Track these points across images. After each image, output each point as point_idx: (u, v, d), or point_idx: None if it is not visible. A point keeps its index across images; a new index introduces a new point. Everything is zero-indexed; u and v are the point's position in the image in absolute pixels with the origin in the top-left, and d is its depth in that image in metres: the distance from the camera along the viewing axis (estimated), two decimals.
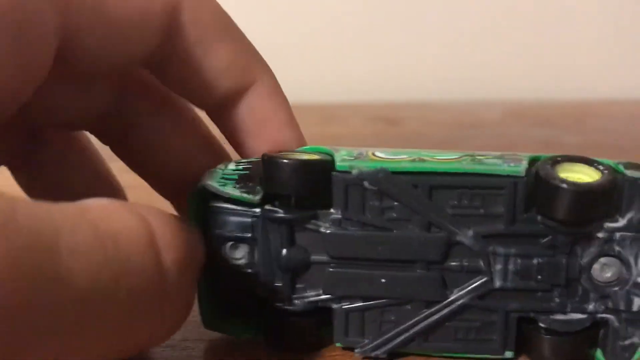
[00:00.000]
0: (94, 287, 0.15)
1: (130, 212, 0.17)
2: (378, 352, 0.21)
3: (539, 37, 0.66)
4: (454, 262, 0.20)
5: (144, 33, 0.20)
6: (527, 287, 0.20)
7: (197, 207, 0.21)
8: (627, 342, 0.20)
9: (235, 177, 0.21)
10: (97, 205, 0.16)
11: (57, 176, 0.25)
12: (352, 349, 0.21)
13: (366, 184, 0.20)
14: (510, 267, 0.20)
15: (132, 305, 0.16)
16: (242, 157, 0.23)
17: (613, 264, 0.20)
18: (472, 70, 0.65)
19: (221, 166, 0.22)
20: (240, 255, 0.21)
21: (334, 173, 0.20)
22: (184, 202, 0.21)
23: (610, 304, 0.20)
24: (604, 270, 0.20)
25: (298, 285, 0.21)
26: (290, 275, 0.21)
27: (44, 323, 0.14)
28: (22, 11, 0.17)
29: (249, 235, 0.21)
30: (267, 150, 0.21)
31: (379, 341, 0.21)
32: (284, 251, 0.21)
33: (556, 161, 0.20)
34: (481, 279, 0.20)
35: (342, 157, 0.20)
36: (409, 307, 0.21)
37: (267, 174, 0.20)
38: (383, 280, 0.21)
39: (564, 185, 0.19)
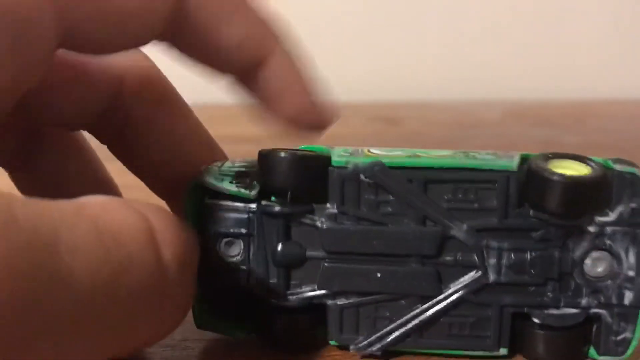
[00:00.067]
0: (94, 284, 0.15)
1: (129, 209, 0.17)
2: (372, 349, 0.21)
3: (539, 37, 0.66)
4: (448, 256, 0.21)
5: (148, 23, 0.19)
6: (520, 282, 0.20)
7: (192, 204, 0.21)
8: (620, 337, 0.20)
9: (232, 173, 0.21)
10: (95, 203, 0.16)
11: (55, 177, 0.25)
12: (346, 347, 0.21)
13: (362, 177, 0.20)
14: (504, 261, 0.20)
15: (132, 302, 0.16)
16: (271, 123, 0.22)
17: (604, 258, 0.20)
18: (472, 70, 0.66)
19: (217, 164, 0.22)
20: (235, 252, 0.21)
21: (330, 168, 0.20)
22: (180, 202, 0.21)
23: (602, 299, 0.20)
24: (596, 265, 0.20)
25: (293, 282, 0.21)
26: (285, 271, 0.21)
27: (44, 322, 0.14)
28: (20, 10, 0.17)
29: (245, 230, 0.21)
30: (291, 117, 0.21)
31: (373, 337, 0.21)
32: (280, 246, 0.21)
33: (547, 157, 0.20)
34: (475, 274, 0.21)
35: (339, 153, 0.21)
36: (403, 302, 0.21)
37: (263, 168, 0.20)
38: (378, 275, 0.21)
39: (555, 177, 0.19)
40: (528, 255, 0.20)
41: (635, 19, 0.66)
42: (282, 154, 0.20)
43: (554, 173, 0.19)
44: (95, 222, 0.15)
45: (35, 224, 0.14)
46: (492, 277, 0.21)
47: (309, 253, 0.21)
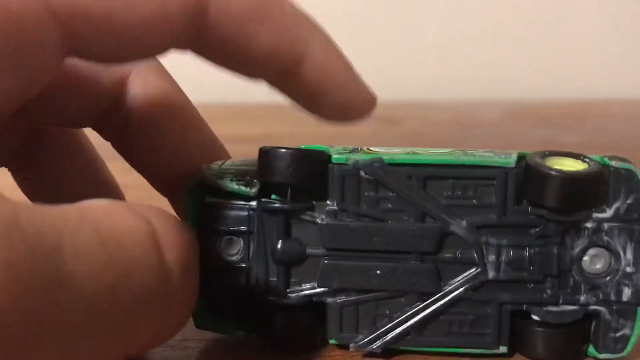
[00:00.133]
0: (97, 289, 0.15)
1: (132, 212, 0.17)
2: (372, 347, 0.21)
3: (539, 37, 0.66)
4: (447, 253, 0.21)
5: (163, 33, 0.19)
6: (519, 279, 0.21)
7: (193, 203, 0.21)
8: (618, 333, 0.21)
9: (232, 171, 0.21)
10: (98, 206, 0.16)
11: (56, 176, 0.25)
12: (346, 346, 0.22)
13: (362, 173, 0.20)
14: (503, 258, 0.21)
15: (136, 306, 0.16)
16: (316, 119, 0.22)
17: (602, 254, 0.20)
18: (472, 70, 0.66)
19: (218, 162, 0.22)
20: (235, 250, 0.21)
21: (330, 165, 0.21)
22: (181, 199, 0.21)
23: (601, 295, 0.20)
24: (594, 262, 0.20)
25: (292, 279, 0.21)
26: (285, 268, 0.21)
27: (48, 328, 0.14)
28: (20, 25, 0.17)
29: (245, 228, 0.21)
30: (338, 114, 0.21)
31: (373, 335, 0.21)
32: (280, 244, 0.21)
33: (544, 155, 0.20)
34: (474, 271, 0.21)
35: (338, 151, 0.21)
36: (403, 300, 0.21)
37: (264, 165, 0.21)
38: (378, 272, 0.21)
39: (553, 172, 0.19)
40: (527, 252, 0.20)
41: (635, 19, 0.66)
42: (283, 150, 0.20)
43: (551, 168, 0.19)
44: (98, 226, 0.15)
45: (39, 229, 0.14)
46: (491, 274, 0.21)
47: (308, 250, 0.21)
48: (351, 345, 0.21)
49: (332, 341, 0.22)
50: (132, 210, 0.17)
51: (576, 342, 0.21)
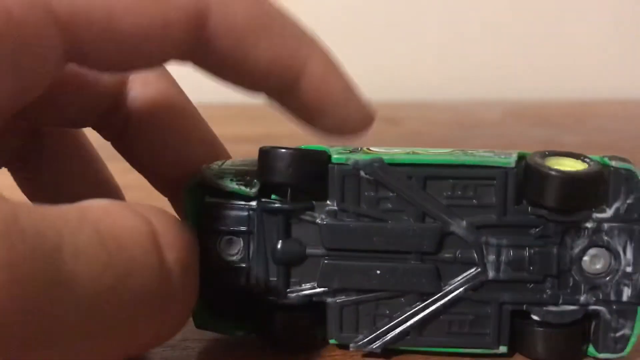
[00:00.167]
0: (98, 289, 0.15)
1: (132, 212, 0.17)
2: (372, 346, 0.21)
3: (539, 37, 0.66)
4: (447, 253, 0.21)
5: (162, 43, 0.19)
6: (519, 279, 0.21)
7: (193, 202, 0.21)
8: (618, 333, 0.21)
9: (232, 171, 0.21)
10: (98, 206, 0.16)
11: (56, 176, 0.25)
12: (346, 346, 0.22)
13: (362, 173, 0.20)
14: (503, 258, 0.21)
15: (136, 306, 0.16)
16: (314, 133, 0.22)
17: (602, 254, 0.20)
18: (472, 70, 0.66)
19: (218, 162, 0.22)
20: (234, 250, 0.21)
21: (330, 165, 0.21)
22: (182, 199, 0.21)
23: (601, 295, 0.20)
24: (594, 262, 0.20)
25: (292, 280, 0.21)
26: (285, 268, 0.21)
27: (48, 328, 0.14)
28: (22, 29, 0.17)
29: (245, 228, 0.21)
30: (335, 130, 0.21)
31: (373, 335, 0.21)
32: (280, 244, 0.21)
33: (544, 155, 0.20)
34: (474, 271, 0.21)
35: (338, 151, 0.21)
36: (403, 300, 0.21)
37: (264, 165, 0.21)
38: (378, 272, 0.21)
39: (553, 172, 0.19)
40: (527, 252, 0.20)
41: (635, 19, 0.66)
42: (283, 150, 0.20)
43: (551, 168, 0.19)
44: (98, 226, 0.15)
45: (39, 229, 0.14)
46: (491, 274, 0.21)
47: (308, 250, 0.21)
48: (351, 345, 0.21)
49: (332, 341, 0.22)
50: (132, 210, 0.17)
51: (576, 342, 0.21)
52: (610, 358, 0.21)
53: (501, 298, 0.21)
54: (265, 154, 0.21)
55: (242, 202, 0.21)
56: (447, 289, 0.21)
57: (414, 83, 0.64)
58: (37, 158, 0.25)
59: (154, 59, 0.20)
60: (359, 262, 0.21)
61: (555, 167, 0.20)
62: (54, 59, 0.18)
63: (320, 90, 0.21)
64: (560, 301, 0.21)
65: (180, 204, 0.22)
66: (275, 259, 0.21)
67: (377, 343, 0.21)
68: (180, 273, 0.17)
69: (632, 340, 0.21)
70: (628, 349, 0.21)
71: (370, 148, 0.21)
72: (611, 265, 0.20)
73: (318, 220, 0.21)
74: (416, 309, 0.21)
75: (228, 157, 0.24)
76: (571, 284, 0.21)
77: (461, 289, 0.21)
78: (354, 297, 0.21)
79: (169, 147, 0.23)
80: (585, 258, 0.20)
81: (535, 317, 0.21)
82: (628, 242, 0.20)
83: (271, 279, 0.21)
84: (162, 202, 0.24)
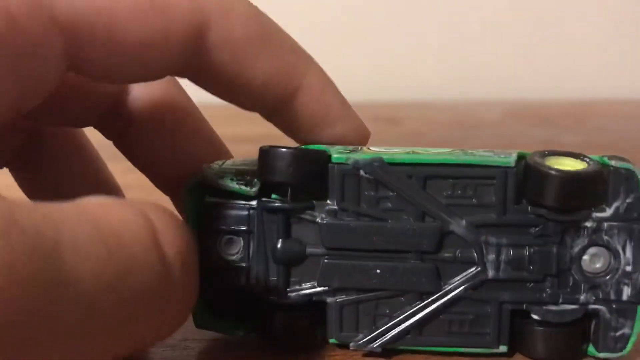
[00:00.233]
0: (98, 286, 0.15)
1: (130, 209, 0.17)
2: (372, 346, 0.21)
3: (539, 37, 0.66)
4: (447, 252, 0.21)
5: (164, 57, 0.19)
6: (519, 278, 0.21)
7: (193, 201, 0.21)
8: (618, 333, 0.21)
9: (233, 170, 0.21)
10: (96, 203, 0.16)
11: (57, 176, 0.25)
12: (346, 345, 0.22)
13: (362, 172, 0.20)
14: (503, 257, 0.21)
15: (137, 303, 0.16)
16: None
17: (602, 253, 0.20)
18: (472, 70, 0.66)
19: (218, 162, 0.22)
20: (235, 250, 0.21)
21: (330, 164, 0.21)
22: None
23: (600, 294, 0.21)
24: (594, 261, 0.20)
25: (292, 279, 0.21)
26: (285, 268, 0.21)
27: (49, 326, 0.14)
28: (25, 34, 0.17)
29: (245, 228, 0.21)
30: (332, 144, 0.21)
31: (373, 335, 0.21)
32: (280, 243, 0.21)
33: (544, 154, 0.20)
34: (474, 270, 0.21)
35: (338, 151, 0.21)
36: (403, 299, 0.21)
37: (264, 164, 0.21)
38: (378, 272, 0.21)
39: (553, 172, 0.19)
40: (526, 252, 0.20)
41: (635, 19, 0.66)
42: (283, 150, 0.20)
43: (551, 168, 0.19)
44: (97, 223, 0.15)
45: (38, 227, 0.14)
46: (491, 273, 0.21)
47: (309, 250, 0.21)
48: (351, 344, 0.21)
49: (332, 341, 0.22)
50: (131, 206, 0.17)
51: (576, 342, 0.21)
52: (610, 357, 0.21)
53: (501, 297, 0.21)
54: (266, 153, 0.21)
55: (243, 202, 0.21)
56: (447, 288, 0.21)
57: (414, 83, 0.64)
58: (37, 158, 0.25)
59: (153, 71, 0.20)
60: (359, 262, 0.21)
61: (555, 166, 0.20)
62: (56, 65, 0.18)
63: (318, 106, 0.21)
64: (560, 300, 0.21)
65: (181, 203, 0.22)
66: (275, 258, 0.21)
67: (377, 342, 0.21)
68: (180, 269, 0.17)
69: (632, 339, 0.21)
70: (628, 348, 0.21)
71: (370, 148, 0.21)
72: (611, 264, 0.20)
73: (318, 220, 0.21)
74: (416, 308, 0.21)
75: (229, 156, 0.24)
76: (571, 283, 0.21)
77: (461, 288, 0.21)
78: (354, 297, 0.21)
79: (171, 147, 0.23)
80: (585, 257, 0.20)
81: (535, 317, 0.21)
82: (628, 241, 0.20)
83: (271, 278, 0.21)
84: (163, 202, 0.24)
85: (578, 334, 0.21)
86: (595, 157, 0.20)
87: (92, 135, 0.25)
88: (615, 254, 0.20)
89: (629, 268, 0.20)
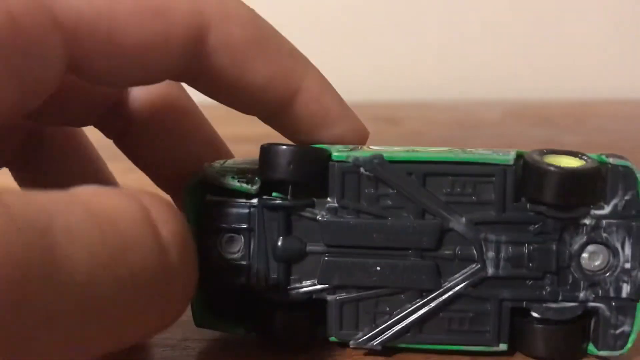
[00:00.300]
0: (92, 267, 0.14)
1: (122, 193, 0.17)
2: (372, 343, 0.21)
3: (539, 37, 0.66)
4: (447, 250, 0.21)
5: (163, 59, 0.19)
6: (519, 275, 0.21)
7: (193, 200, 0.21)
8: (618, 330, 0.21)
9: (234, 169, 0.21)
10: (86, 189, 0.16)
11: (57, 176, 0.25)
12: (346, 344, 0.22)
13: (362, 170, 0.21)
14: (502, 254, 0.21)
15: (135, 283, 0.16)
16: None
17: (601, 251, 0.20)
18: (472, 70, 0.66)
19: (219, 161, 0.22)
20: (235, 248, 0.21)
21: (330, 162, 0.21)
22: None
23: (600, 292, 0.21)
24: (593, 259, 0.21)
25: (293, 277, 0.21)
26: (285, 266, 0.21)
27: (44, 311, 0.14)
28: (23, 39, 0.17)
29: (246, 226, 0.21)
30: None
31: (373, 332, 0.21)
32: (280, 241, 0.21)
33: (542, 153, 0.20)
34: (474, 267, 0.21)
35: (338, 149, 0.21)
36: (403, 296, 0.21)
37: (265, 162, 0.21)
38: (378, 269, 0.21)
39: (551, 168, 0.20)
40: (526, 249, 0.21)
41: (635, 19, 0.66)
42: (284, 147, 0.20)
43: (550, 164, 0.20)
44: (89, 205, 0.15)
45: (28, 210, 0.14)
46: (490, 270, 0.21)
47: (309, 247, 0.21)
48: (351, 342, 0.21)
49: (332, 339, 0.22)
50: (122, 191, 0.17)
51: (576, 340, 0.21)
52: (610, 355, 0.21)
53: (501, 295, 0.21)
54: (266, 150, 0.21)
55: (243, 200, 0.21)
56: (447, 286, 0.21)
57: (414, 83, 0.64)
58: (37, 158, 0.25)
59: (153, 74, 0.20)
60: (359, 259, 0.21)
61: (553, 163, 0.20)
62: (56, 65, 0.18)
63: (318, 106, 0.21)
64: (560, 298, 0.21)
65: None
66: (275, 256, 0.21)
67: (377, 340, 0.21)
68: (177, 249, 0.17)
69: (632, 337, 0.21)
70: (628, 345, 0.21)
71: (370, 147, 0.22)
72: (610, 261, 0.20)
73: (319, 217, 0.21)
74: (416, 305, 0.21)
75: (230, 156, 0.24)
76: (570, 280, 0.21)
77: (461, 286, 0.21)
78: (354, 294, 0.21)
79: (172, 146, 0.23)
80: (584, 255, 0.21)
81: (535, 314, 0.21)
82: (626, 239, 0.20)
83: (272, 276, 0.21)
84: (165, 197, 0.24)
85: (578, 332, 0.21)
86: (593, 155, 0.20)
87: (93, 134, 0.25)
88: (614, 252, 0.20)
89: (627, 265, 0.20)
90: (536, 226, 0.20)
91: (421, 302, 0.21)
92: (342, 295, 0.21)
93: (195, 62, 0.20)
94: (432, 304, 0.21)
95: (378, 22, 0.66)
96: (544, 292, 0.21)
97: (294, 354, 0.22)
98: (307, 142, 0.22)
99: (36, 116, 0.22)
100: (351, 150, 0.21)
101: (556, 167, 0.20)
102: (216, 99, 0.21)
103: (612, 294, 0.20)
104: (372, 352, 0.22)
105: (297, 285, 0.21)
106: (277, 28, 0.21)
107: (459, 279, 0.21)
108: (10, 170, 0.25)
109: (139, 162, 0.24)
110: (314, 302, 0.22)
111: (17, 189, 0.21)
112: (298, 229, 0.21)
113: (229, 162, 0.22)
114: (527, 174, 0.20)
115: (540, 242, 0.20)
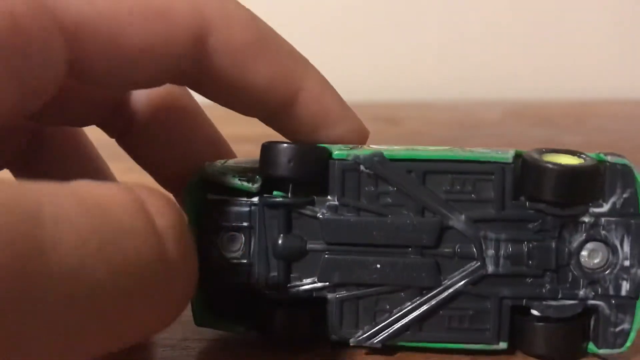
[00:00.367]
0: (83, 255, 0.14)
1: (116, 185, 0.16)
2: (372, 341, 0.21)
3: (539, 37, 0.66)
4: (447, 247, 0.21)
5: (165, 61, 0.19)
6: (518, 273, 0.21)
7: (193, 199, 0.21)
8: (618, 328, 0.21)
9: (235, 168, 0.22)
10: (81, 182, 0.16)
11: (57, 176, 0.25)
12: (346, 342, 0.22)
13: (362, 168, 0.21)
14: (502, 252, 0.21)
15: (130, 275, 0.15)
16: None
17: (600, 249, 0.21)
18: (472, 70, 0.66)
19: (220, 160, 0.22)
20: (236, 247, 0.21)
21: (331, 160, 0.21)
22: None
23: (599, 290, 0.21)
24: (592, 257, 0.21)
25: (293, 275, 0.21)
26: (285, 264, 0.21)
27: (33, 302, 0.13)
28: (24, 41, 0.17)
29: (247, 224, 0.21)
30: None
31: (373, 330, 0.21)
32: (280, 239, 0.21)
33: (541, 151, 0.21)
34: (474, 265, 0.21)
35: (339, 147, 0.21)
36: (403, 294, 0.21)
37: (266, 160, 0.21)
38: (378, 267, 0.21)
39: (550, 165, 0.20)
40: (525, 247, 0.21)
41: (635, 19, 0.66)
42: (285, 145, 0.21)
43: (548, 162, 0.20)
44: (81, 195, 0.15)
45: (16, 197, 0.14)
46: (490, 268, 0.21)
47: (309, 245, 0.21)
48: (351, 340, 0.21)
49: (332, 337, 0.22)
50: (115, 184, 0.17)
51: (576, 339, 0.21)
52: (610, 354, 0.21)
53: (501, 293, 0.21)
54: (267, 148, 0.21)
55: (244, 199, 0.21)
56: (447, 283, 0.21)
57: (414, 83, 0.64)
58: (37, 158, 0.25)
59: (154, 76, 0.20)
60: (359, 257, 0.21)
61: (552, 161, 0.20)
62: (58, 67, 0.18)
63: (318, 107, 0.21)
64: (560, 296, 0.21)
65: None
66: (276, 253, 0.21)
67: (377, 338, 0.21)
68: (174, 240, 0.17)
69: (632, 335, 0.21)
70: (628, 343, 0.21)
71: (370, 146, 0.22)
72: (609, 259, 0.21)
73: (319, 215, 0.21)
74: (416, 303, 0.21)
75: (233, 155, 0.24)
76: (570, 278, 0.21)
77: (461, 283, 0.21)
78: (354, 292, 0.21)
79: (173, 145, 0.23)
80: (584, 252, 0.21)
81: (534, 312, 0.21)
82: (625, 236, 0.20)
83: (272, 274, 0.21)
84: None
85: (578, 331, 0.21)
86: (592, 154, 0.21)
87: (93, 134, 0.25)
88: (613, 249, 0.20)
89: (627, 263, 0.20)
90: (535, 224, 0.21)
91: (421, 300, 0.21)
92: (342, 293, 0.21)
93: (196, 63, 0.20)
94: (432, 302, 0.21)
95: (378, 22, 0.66)
96: (544, 290, 0.21)
97: (294, 352, 0.22)
98: (308, 142, 0.22)
99: (37, 117, 0.22)
100: (351, 148, 0.21)
101: (555, 164, 0.20)
102: (216, 101, 0.21)
103: (611, 291, 0.21)
104: (372, 350, 0.22)
105: (298, 283, 0.21)
106: (277, 29, 0.21)
107: (459, 276, 0.21)
108: (11, 171, 0.25)
109: (141, 161, 0.24)
110: (314, 300, 0.22)
111: (8, 178, 0.21)
112: (298, 227, 0.21)
113: (230, 161, 0.22)
114: (526, 172, 0.20)
115: (540, 240, 0.21)
